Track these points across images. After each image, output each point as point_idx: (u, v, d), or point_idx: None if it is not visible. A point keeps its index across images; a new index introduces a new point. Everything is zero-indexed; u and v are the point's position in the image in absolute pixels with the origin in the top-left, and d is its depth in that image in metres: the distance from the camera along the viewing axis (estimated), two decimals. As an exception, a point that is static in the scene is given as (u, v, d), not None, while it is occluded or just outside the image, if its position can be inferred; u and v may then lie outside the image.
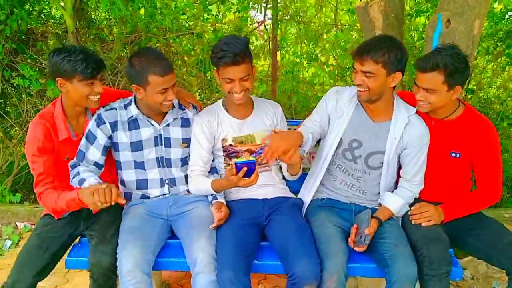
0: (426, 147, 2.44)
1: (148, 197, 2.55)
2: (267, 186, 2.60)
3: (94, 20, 5.28)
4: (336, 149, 2.49)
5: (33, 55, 4.78)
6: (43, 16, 5.15)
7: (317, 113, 2.54)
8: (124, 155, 2.45)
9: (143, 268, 2.14)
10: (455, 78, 2.25)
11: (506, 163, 4.97)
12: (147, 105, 2.39)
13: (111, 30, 5.18)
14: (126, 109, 2.42)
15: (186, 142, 2.55)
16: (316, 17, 5.95)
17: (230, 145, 2.55)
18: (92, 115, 2.43)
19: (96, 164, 2.38)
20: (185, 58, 5.32)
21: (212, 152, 2.59)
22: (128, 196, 2.56)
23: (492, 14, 5.15)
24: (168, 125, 2.50)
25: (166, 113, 2.47)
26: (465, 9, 2.88)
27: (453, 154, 2.46)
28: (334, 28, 5.87)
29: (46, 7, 5.19)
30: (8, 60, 4.62)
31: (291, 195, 2.69)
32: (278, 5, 5.25)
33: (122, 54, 4.99)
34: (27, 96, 4.90)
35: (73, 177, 2.30)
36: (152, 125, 2.45)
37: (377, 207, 2.52)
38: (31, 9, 4.90)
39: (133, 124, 2.43)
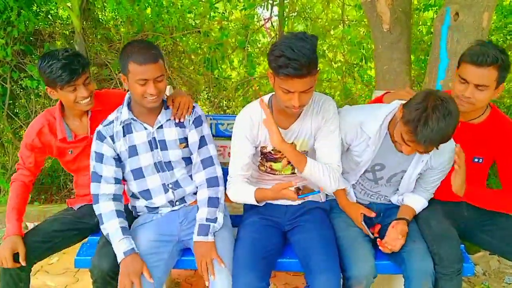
0: (449, 170, 2.31)
1: (156, 210, 2.39)
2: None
3: (101, 20, 5.30)
4: None
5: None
6: (50, 17, 5.19)
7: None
8: (125, 165, 2.31)
9: None
10: (504, 75, 2.13)
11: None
12: (133, 98, 2.23)
13: (118, 30, 5.20)
14: (121, 113, 2.28)
15: (184, 142, 2.32)
16: (323, 13, 5.92)
17: (270, 152, 2.33)
18: (92, 114, 2.45)
19: (116, 180, 2.28)
20: (192, 56, 5.33)
21: None
22: (134, 210, 2.47)
23: (501, 7, 5.10)
24: (161, 126, 2.28)
25: (158, 114, 2.28)
26: (474, 2, 2.84)
27: (476, 160, 2.37)
28: (342, 24, 5.84)
29: (53, 8, 5.23)
30: (16, 61, 4.65)
31: (320, 199, 2.50)
32: (285, 1, 5.24)
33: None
34: (35, 97, 4.94)
35: (100, 221, 2.24)
36: (145, 128, 2.27)
37: (391, 203, 2.49)
38: (38, 10, 4.93)
39: (126, 129, 2.27)
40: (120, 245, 2.14)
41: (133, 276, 2.05)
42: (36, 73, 4.35)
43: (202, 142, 2.34)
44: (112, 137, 2.26)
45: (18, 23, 4.35)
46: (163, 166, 2.32)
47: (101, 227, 2.23)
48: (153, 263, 2.15)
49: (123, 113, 2.25)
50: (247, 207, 2.49)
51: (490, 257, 3.40)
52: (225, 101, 5.75)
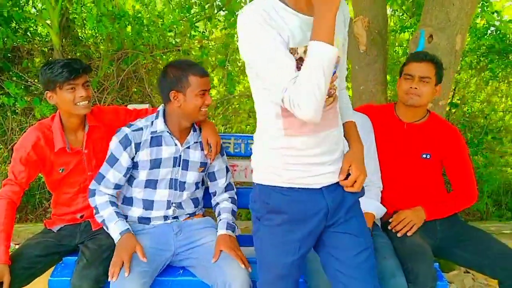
0: (371, 138, 2.50)
1: (149, 221, 2.38)
2: (331, 153, 1.68)
3: (80, 37, 5.29)
4: None
5: (18, 73, 4.76)
6: (29, 34, 5.15)
7: None
8: (140, 173, 2.33)
9: None
10: (440, 74, 2.48)
11: (490, 176, 5.02)
12: (183, 114, 2.26)
13: (98, 47, 5.19)
14: (152, 124, 2.31)
15: (203, 166, 2.42)
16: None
17: (301, 58, 1.52)
18: (90, 128, 2.42)
19: (116, 185, 2.33)
20: (172, 74, 5.33)
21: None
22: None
23: (474, 29, 5.25)
24: (188, 147, 2.36)
25: (189, 133, 2.36)
26: (447, 25, 2.93)
27: (424, 156, 2.54)
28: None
29: (32, 25, 5.20)
30: (-7, 78, 4.60)
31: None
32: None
33: (109, 72, 4.99)
34: (12, 114, 4.87)
35: (95, 211, 2.31)
36: (175, 145, 2.32)
37: None
38: (17, 27, 4.90)
39: (155, 140, 2.30)
40: (116, 227, 2.21)
41: (124, 254, 2.09)
42: (13, 90, 4.30)
43: (227, 168, 2.55)
44: (137, 145, 2.28)
45: (-5, 40, 4.32)
46: (176, 185, 2.36)
47: (96, 216, 2.30)
48: (143, 267, 2.12)
49: (158, 124, 2.29)
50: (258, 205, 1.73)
51: (465, 275, 3.43)
52: (205, 119, 5.75)
